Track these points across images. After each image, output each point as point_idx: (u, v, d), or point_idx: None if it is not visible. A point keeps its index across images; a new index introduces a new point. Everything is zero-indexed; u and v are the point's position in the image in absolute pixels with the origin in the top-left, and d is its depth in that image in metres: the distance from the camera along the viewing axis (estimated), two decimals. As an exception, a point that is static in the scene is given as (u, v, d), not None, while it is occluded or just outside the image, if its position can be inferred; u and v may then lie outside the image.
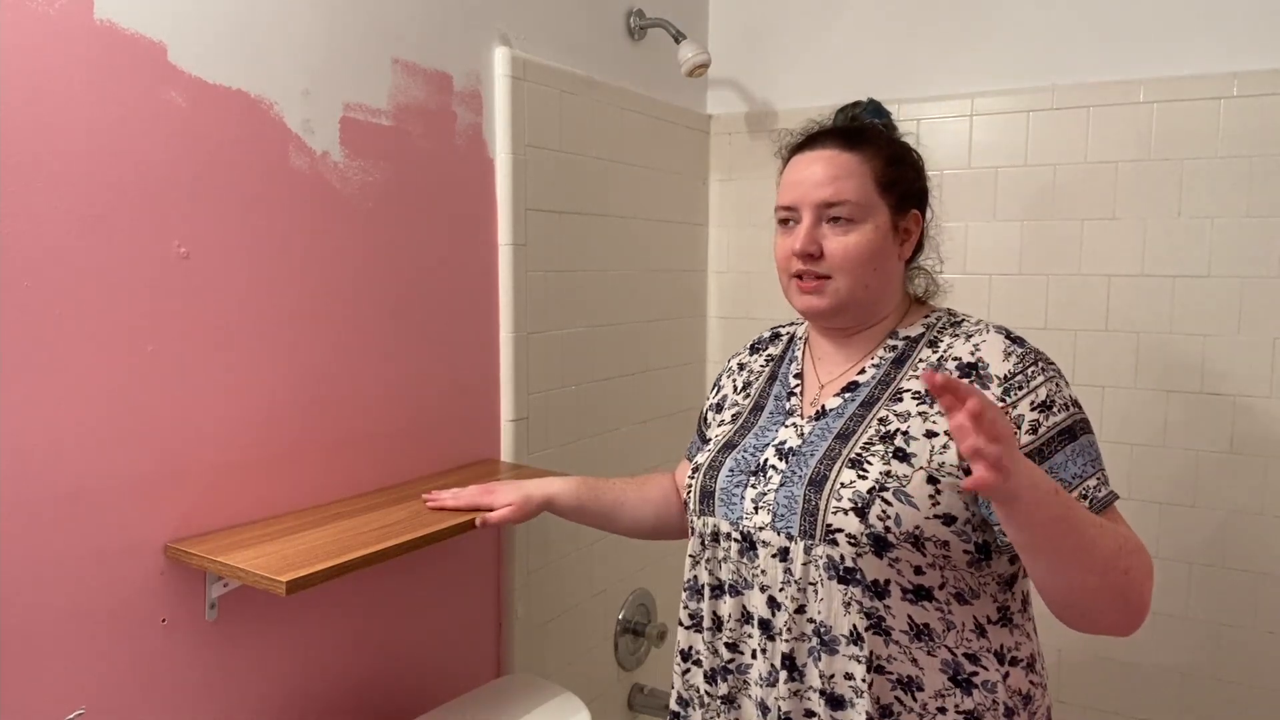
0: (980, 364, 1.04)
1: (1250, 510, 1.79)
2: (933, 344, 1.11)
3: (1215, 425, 1.81)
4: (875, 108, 1.19)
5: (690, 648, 1.17)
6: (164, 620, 1.14)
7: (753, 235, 2.26)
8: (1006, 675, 1.03)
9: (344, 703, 1.39)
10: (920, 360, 1.09)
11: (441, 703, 1.51)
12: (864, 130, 1.14)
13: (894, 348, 1.13)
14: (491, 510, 1.32)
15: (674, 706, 1.20)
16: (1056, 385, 1.02)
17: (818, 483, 1.03)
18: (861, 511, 0.99)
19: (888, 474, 1.00)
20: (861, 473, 1.01)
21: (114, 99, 1.06)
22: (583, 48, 1.83)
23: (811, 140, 1.15)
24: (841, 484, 1.01)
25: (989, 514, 0.99)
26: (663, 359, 2.16)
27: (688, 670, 1.18)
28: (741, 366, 1.29)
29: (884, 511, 0.99)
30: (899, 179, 1.12)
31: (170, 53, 1.11)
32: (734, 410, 1.23)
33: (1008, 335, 1.07)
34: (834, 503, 1.01)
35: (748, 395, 1.23)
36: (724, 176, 2.30)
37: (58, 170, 1.01)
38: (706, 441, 1.23)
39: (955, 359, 1.06)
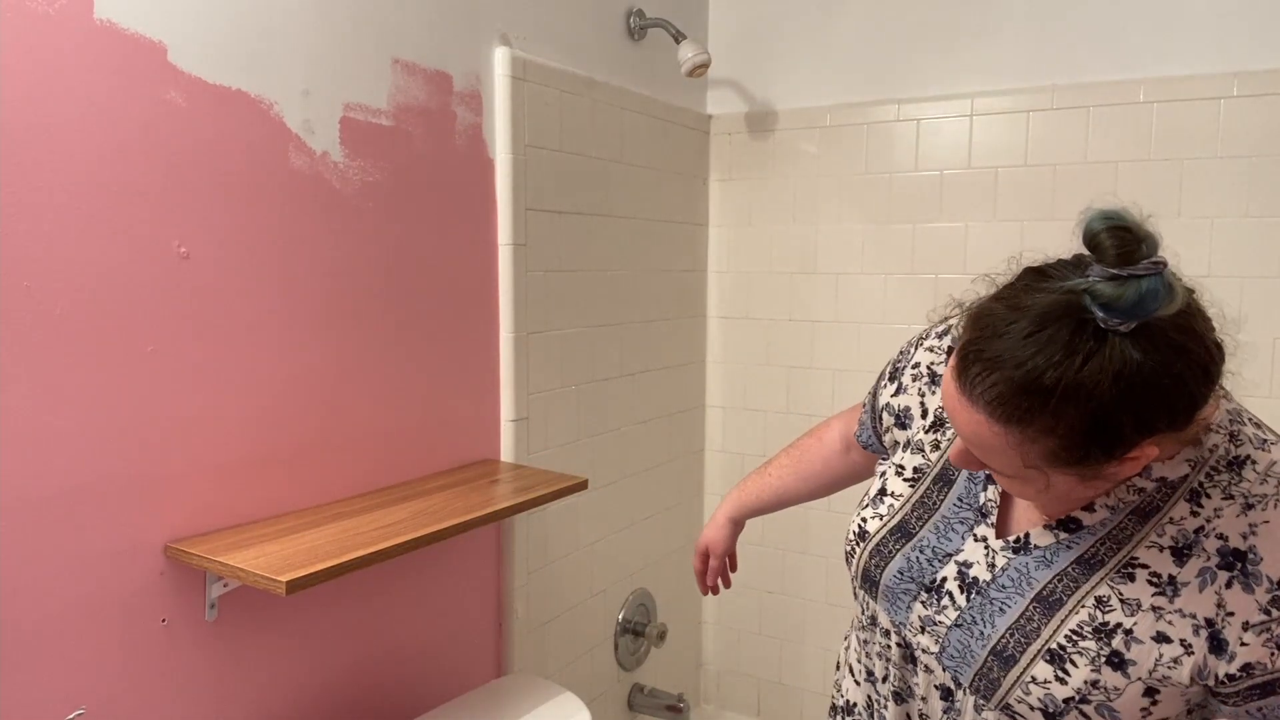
0: (1251, 555, 0.76)
1: (1250, 510, 1.78)
2: (1194, 496, 0.80)
3: (1215, 425, 1.80)
4: (1108, 217, 0.73)
5: (853, 703, 1.06)
6: (164, 620, 1.14)
7: (753, 235, 2.26)
8: None
9: (344, 702, 1.39)
10: (1169, 521, 0.80)
11: (441, 703, 1.51)
12: (1032, 404, 0.71)
13: (1140, 490, 0.81)
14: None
15: None
16: None
17: (1003, 657, 0.84)
18: (1052, 716, 0.82)
19: (1094, 684, 0.79)
20: (1061, 673, 0.81)
21: (114, 99, 1.06)
22: (583, 48, 1.83)
23: (964, 375, 0.76)
24: (1033, 678, 0.82)
25: None
26: (663, 359, 2.16)
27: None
28: (934, 378, 1.00)
29: None
30: (1092, 447, 0.72)
31: (170, 53, 1.11)
32: (916, 463, 0.98)
33: None
34: (1019, 693, 0.83)
35: (937, 448, 0.97)
36: (724, 176, 2.30)
37: (57, 170, 1.01)
38: (881, 444, 1.07)
39: (1220, 536, 0.78)
